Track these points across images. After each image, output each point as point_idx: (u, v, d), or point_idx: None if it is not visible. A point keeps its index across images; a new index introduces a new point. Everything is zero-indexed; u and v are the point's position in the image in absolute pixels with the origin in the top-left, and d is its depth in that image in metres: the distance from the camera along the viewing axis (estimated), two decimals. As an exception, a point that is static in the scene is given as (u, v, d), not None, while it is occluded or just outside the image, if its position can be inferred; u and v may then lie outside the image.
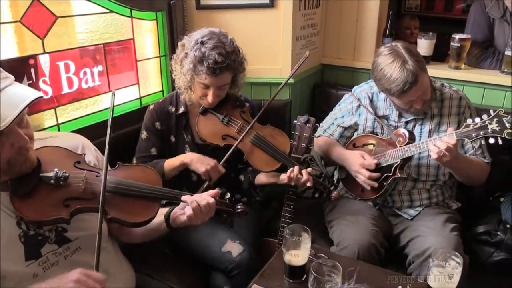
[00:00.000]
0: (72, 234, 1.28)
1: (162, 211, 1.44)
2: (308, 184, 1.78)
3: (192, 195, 1.42)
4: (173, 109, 1.94)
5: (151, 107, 1.95)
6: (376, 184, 1.88)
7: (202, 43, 1.72)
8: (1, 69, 1.10)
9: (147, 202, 1.34)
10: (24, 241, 1.18)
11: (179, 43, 1.84)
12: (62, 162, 1.26)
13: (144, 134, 1.93)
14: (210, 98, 1.79)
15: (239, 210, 1.56)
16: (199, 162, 1.78)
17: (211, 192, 1.46)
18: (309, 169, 1.78)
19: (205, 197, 1.42)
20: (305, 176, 1.77)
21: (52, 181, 1.19)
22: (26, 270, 1.18)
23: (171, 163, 1.84)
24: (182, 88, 1.85)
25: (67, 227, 1.26)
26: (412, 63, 1.72)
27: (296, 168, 1.77)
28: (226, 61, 1.71)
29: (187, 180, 1.93)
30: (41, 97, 1.09)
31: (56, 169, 1.20)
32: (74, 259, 1.28)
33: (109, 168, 1.38)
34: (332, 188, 2.01)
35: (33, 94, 1.07)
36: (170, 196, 1.41)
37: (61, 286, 1.08)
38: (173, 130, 1.94)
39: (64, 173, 1.21)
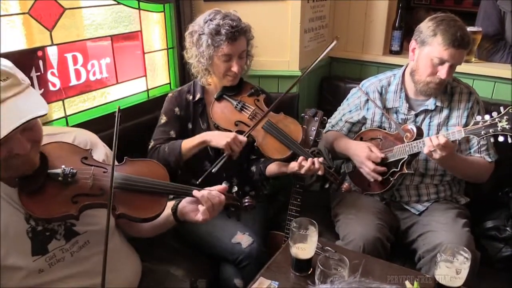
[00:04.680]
0: (81, 228, 1.28)
1: (169, 204, 1.43)
2: (319, 173, 1.77)
3: (200, 190, 1.40)
4: (190, 97, 1.96)
5: (170, 94, 1.98)
6: (380, 178, 1.87)
7: (211, 20, 1.79)
8: (15, 74, 1.06)
9: (155, 197, 1.33)
10: (31, 236, 1.18)
11: (186, 34, 1.89)
12: (69, 158, 1.26)
13: (163, 119, 1.94)
14: (235, 67, 1.83)
15: (246, 204, 1.55)
16: (220, 138, 1.78)
17: (220, 187, 1.46)
18: (320, 159, 1.77)
19: (217, 195, 1.40)
20: (316, 165, 1.76)
21: (60, 178, 1.19)
22: (32, 265, 1.18)
23: (190, 142, 1.84)
24: (200, 72, 1.90)
25: (75, 221, 1.26)
26: (467, 30, 1.76)
27: (310, 159, 1.76)
28: (240, 24, 1.79)
29: (206, 156, 1.95)
30: (44, 115, 1.06)
31: (63, 166, 1.20)
32: (81, 255, 1.28)
33: (116, 163, 1.37)
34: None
35: (34, 111, 1.04)
36: (178, 191, 1.41)
37: None
38: (190, 117, 1.97)
39: (71, 170, 1.20)
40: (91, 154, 1.32)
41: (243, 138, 1.78)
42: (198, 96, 1.95)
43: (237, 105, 1.88)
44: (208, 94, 1.97)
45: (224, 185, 1.48)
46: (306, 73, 1.90)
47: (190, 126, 1.97)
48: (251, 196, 1.61)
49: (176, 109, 1.94)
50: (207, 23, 1.79)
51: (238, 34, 1.78)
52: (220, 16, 1.79)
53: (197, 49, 1.84)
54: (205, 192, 1.39)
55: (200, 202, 1.38)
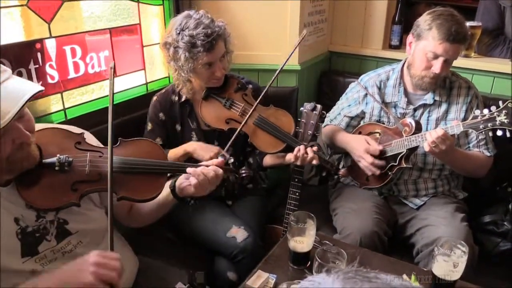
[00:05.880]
0: (73, 227, 1.26)
1: (167, 183, 1.42)
2: (314, 162, 1.77)
3: (197, 167, 1.40)
4: (176, 98, 1.94)
5: (154, 98, 1.96)
6: (378, 172, 1.87)
7: (182, 29, 1.71)
8: None
9: (154, 177, 1.34)
10: (21, 238, 1.16)
11: (161, 45, 1.83)
12: (62, 145, 1.24)
13: (149, 126, 1.94)
14: (218, 73, 1.79)
15: (244, 174, 1.58)
16: (203, 150, 1.78)
17: (216, 161, 1.46)
18: (314, 148, 1.77)
19: (213, 169, 1.40)
20: (310, 154, 1.75)
21: (56, 168, 1.18)
22: (23, 267, 1.16)
23: (174, 153, 1.84)
24: (180, 83, 1.86)
25: (68, 219, 1.25)
26: (464, 25, 1.74)
27: (302, 147, 1.76)
28: (214, 29, 1.71)
29: None
30: (41, 91, 1.06)
31: (58, 155, 1.18)
32: (75, 254, 1.25)
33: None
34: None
35: (32, 88, 1.04)
36: (176, 169, 1.41)
37: (81, 269, 1.05)
38: (178, 119, 1.95)
39: (67, 158, 1.19)
40: (84, 138, 1.30)
41: (225, 155, 1.74)
42: (184, 97, 1.92)
43: (225, 103, 1.86)
44: (194, 93, 1.93)
45: (220, 159, 1.49)
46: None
47: (178, 128, 1.95)
48: (248, 168, 1.61)
49: (161, 114, 1.92)
50: (180, 34, 1.71)
51: (215, 41, 1.71)
52: (192, 23, 1.70)
53: (176, 63, 1.78)
54: (198, 168, 1.39)
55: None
